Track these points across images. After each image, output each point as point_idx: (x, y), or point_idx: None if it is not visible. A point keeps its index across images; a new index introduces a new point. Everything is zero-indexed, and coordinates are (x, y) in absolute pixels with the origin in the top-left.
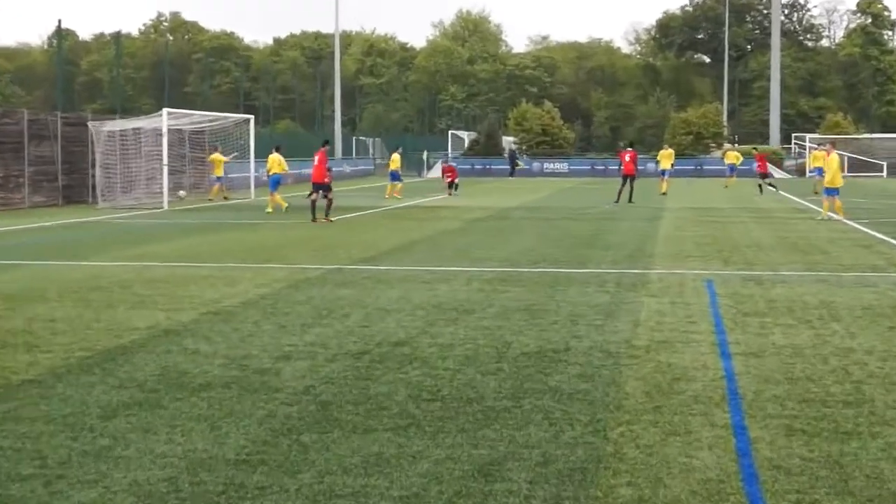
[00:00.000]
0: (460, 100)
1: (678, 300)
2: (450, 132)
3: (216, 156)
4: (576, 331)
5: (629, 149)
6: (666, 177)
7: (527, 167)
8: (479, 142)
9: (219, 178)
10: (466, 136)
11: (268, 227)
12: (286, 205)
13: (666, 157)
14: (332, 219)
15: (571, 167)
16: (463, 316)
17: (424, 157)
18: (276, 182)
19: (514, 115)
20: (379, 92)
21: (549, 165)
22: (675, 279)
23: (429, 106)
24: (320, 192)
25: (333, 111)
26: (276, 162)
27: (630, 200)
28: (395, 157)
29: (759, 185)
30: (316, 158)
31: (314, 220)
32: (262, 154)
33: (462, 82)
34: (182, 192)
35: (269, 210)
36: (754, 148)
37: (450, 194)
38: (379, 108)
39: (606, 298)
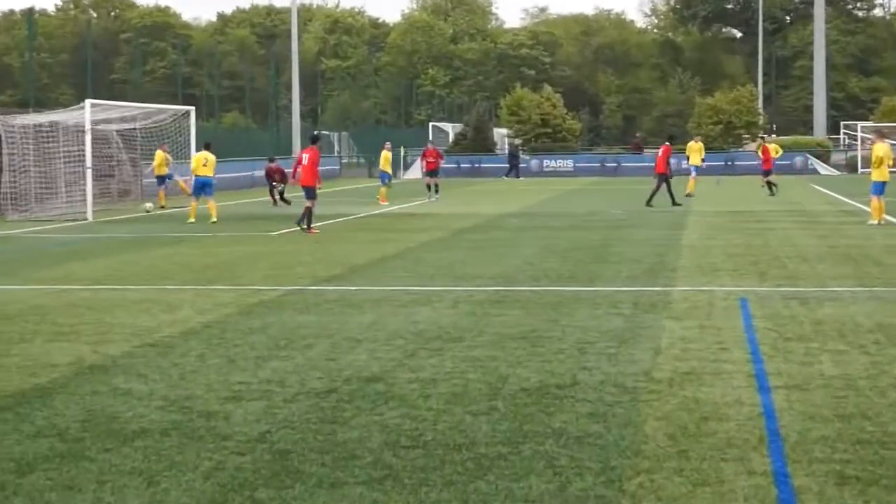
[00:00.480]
0: (442, 85)
1: (706, 323)
2: (430, 124)
3: (160, 153)
4: (584, 361)
5: (666, 143)
6: (695, 174)
7: (522, 165)
8: (467, 135)
9: (162, 181)
10: (451, 129)
11: (213, 240)
12: (214, 218)
13: (695, 152)
14: (304, 227)
15: (577, 165)
16: (449, 345)
17: (401, 154)
18: (201, 186)
19: (508, 102)
20: (345, 77)
21: (550, 163)
22: (702, 298)
23: (405, 93)
24: (305, 195)
25: (290, 101)
26: (200, 162)
27: (648, 203)
28: (386, 154)
29: (769, 185)
30: (305, 157)
31: (309, 229)
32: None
33: (444, 64)
34: (149, 205)
35: (214, 220)
36: (761, 136)
37: (429, 195)
38: (345, 96)
39: (620, 322)
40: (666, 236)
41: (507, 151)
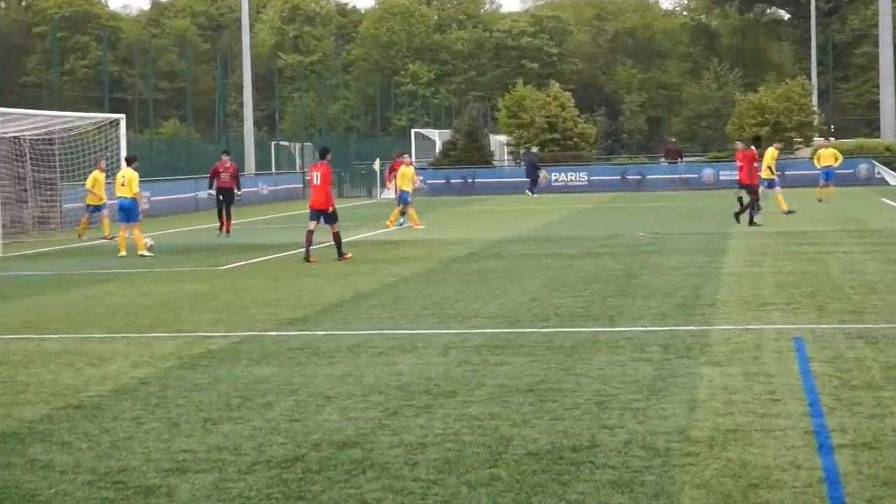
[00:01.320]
0: (426, 83)
1: (753, 369)
2: (412, 131)
3: (97, 174)
4: (605, 418)
5: (750, 147)
6: (826, 181)
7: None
8: (457, 144)
9: (97, 209)
10: (438, 137)
11: (149, 277)
12: (141, 251)
13: (828, 156)
14: (349, 255)
15: (592, 178)
16: (439, 401)
17: (376, 167)
18: (126, 211)
19: (507, 103)
20: (308, 76)
21: (560, 175)
22: (748, 338)
23: (381, 94)
24: (320, 220)
25: (241, 105)
26: (118, 182)
27: (737, 219)
28: (406, 171)
29: (740, 200)
30: (315, 175)
31: (308, 259)
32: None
33: (429, 58)
34: (149, 242)
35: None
36: (742, 141)
37: (400, 215)
38: (308, 99)
39: (649, 370)
40: (702, 263)
41: (526, 160)
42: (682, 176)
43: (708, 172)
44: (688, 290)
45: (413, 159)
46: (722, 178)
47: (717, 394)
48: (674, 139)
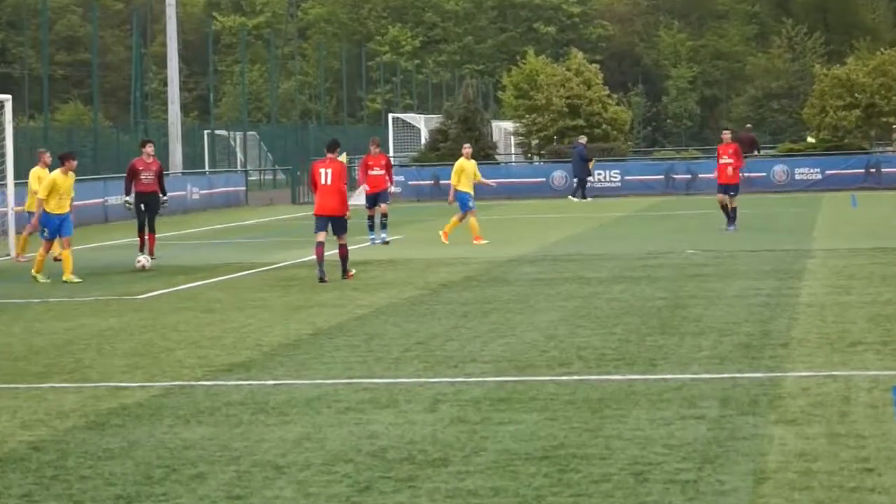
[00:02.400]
0: (409, 54)
1: (840, 429)
2: (390, 116)
3: (38, 170)
4: (645, 494)
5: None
6: None
7: (538, 180)
8: (449, 133)
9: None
10: (423, 124)
11: (44, 310)
12: (73, 275)
13: None
14: (353, 272)
15: (627, 177)
16: (426, 472)
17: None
18: (50, 224)
19: (515, 79)
20: (252, 43)
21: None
22: (832, 389)
23: (350, 67)
24: (329, 229)
25: (165, 84)
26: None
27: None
28: (464, 165)
29: (724, 209)
30: (325, 174)
31: (323, 279)
32: (29, 165)
33: (413, 19)
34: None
35: (36, 274)
36: (727, 131)
37: (372, 236)
38: (253, 74)
39: (702, 430)
40: (772, 290)
41: (575, 155)
42: (746, 175)
43: (779, 170)
44: (753, 326)
45: (390, 153)
46: (798, 176)
47: (791, 462)
48: (749, 125)
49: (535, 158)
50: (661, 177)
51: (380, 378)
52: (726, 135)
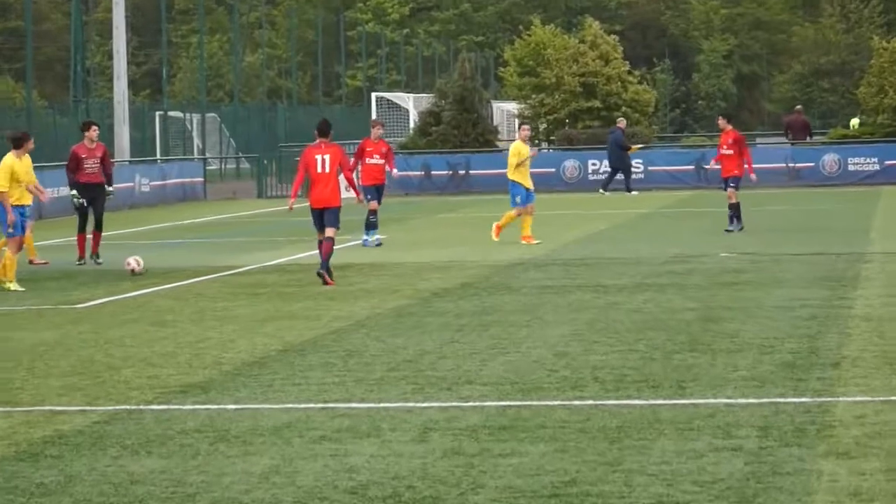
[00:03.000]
0: (396, 23)
1: None
2: (373, 95)
3: (10, 159)
4: None
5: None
6: None
7: (547, 170)
8: (442, 116)
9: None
10: (412, 105)
11: None
12: (14, 282)
13: None
14: (322, 275)
15: (651, 167)
16: None
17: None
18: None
19: (518, 53)
20: (213, 10)
21: (601, 164)
22: (892, 417)
23: (327, 38)
24: (324, 220)
25: (111, 58)
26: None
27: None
28: (519, 147)
29: (736, 206)
30: (322, 161)
31: (328, 280)
32: None
33: None
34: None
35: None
36: (723, 116)
37: (368, 236)
38: (212, 46)
39: (738, 464)
40: (822, 301)
41: (610, 141)
42: (791, 165)
43: (830, 159)
44: (798, 342)
45: (377, 136)
46: (851, 167)
47: (844, 502)
48: (799, 106)
49: (544, 145)
50: (691, 167)
51: (360, 402)
52: (723, 122)
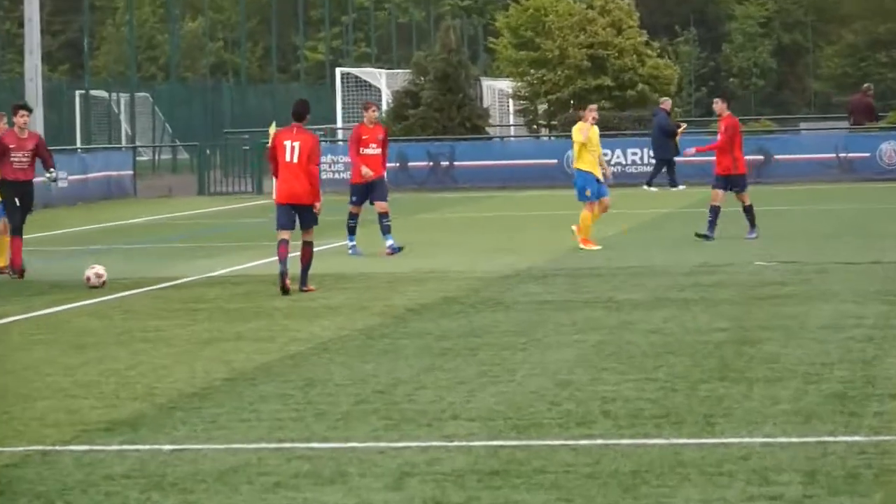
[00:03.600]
0: None
1: None
2: (338, 71)
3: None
4: None
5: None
6: None
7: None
8: (421, 96)
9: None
10: (385, 82)
11: None
12: None
13: None
14: (313, 287)
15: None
16: None
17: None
18: None
19: (512, 21)
20: None
21: (612, 153)
22: None
23: (283, 4)
24: (299, 222)
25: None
26: None
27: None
28: (592, 132)
29: (716, 210)
30: (292, 148)
31: (285, 287)
32: None
33: None
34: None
35: None
36: (720, 97)
37: (387, 242)
38: (143, 13)
39: None
40: (879, 319)
41: (654, 123)
42: (843, 155)
43: (889, 148)
44: (851, 369)
45: (338, 122)
46: None
47: None
48: (867, 84)
49: (544, 132)
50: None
51: (322, 441)
52: (719, 105)
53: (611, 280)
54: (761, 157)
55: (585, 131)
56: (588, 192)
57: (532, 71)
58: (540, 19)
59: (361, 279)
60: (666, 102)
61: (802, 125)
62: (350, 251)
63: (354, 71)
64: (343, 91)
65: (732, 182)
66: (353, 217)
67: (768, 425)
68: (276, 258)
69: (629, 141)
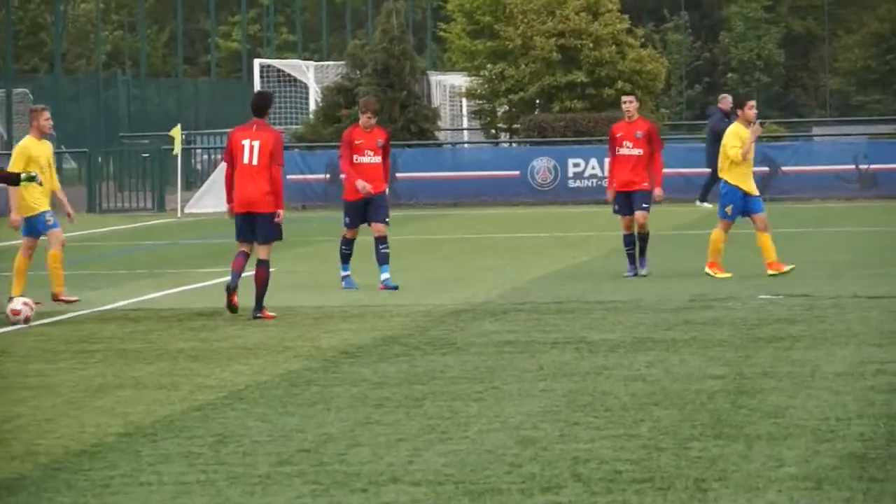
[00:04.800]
0: None
1: None
2: (256, 63)
3: (30, 142)
4: None
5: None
6: None
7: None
8: (356, 93)
9: (44, 224)
10: (312, 78)
11: None
12: None
13: None
14: (271, 314)
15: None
16: None
17: (177, 144)
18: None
19: (464, 2)
20: None
21: (584, 163)
22: None
23: None
24: (256, 235)
25: None
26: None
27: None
28: (742, 132)
29: (630, 238)
30: (250, 148)
31: (232, 303)
32: None
33: None
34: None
35: None
36: (726, 97)
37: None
38: None
39: None
40: None
41: (709, 125)
42: (864, 168)
43: None
44: (872, 425)
45: (369, 124)
46: None
47: None
48: None
49: (504, 137)
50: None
51: None
52: (629, 104)
53: (584, 316)
54: (766, 169)
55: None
56: (728, 210)
57: (489, 65)
58: (500, 2)
59: (284, 314)
60: (725, 100)
61: (816, 130)
62: (343, 283)
63: (276, 63)
64: (262, 87)
65: (639, 199)
66: (348, 243)
67: (772, 492)
68: (231, 267)
69: (602, 145)
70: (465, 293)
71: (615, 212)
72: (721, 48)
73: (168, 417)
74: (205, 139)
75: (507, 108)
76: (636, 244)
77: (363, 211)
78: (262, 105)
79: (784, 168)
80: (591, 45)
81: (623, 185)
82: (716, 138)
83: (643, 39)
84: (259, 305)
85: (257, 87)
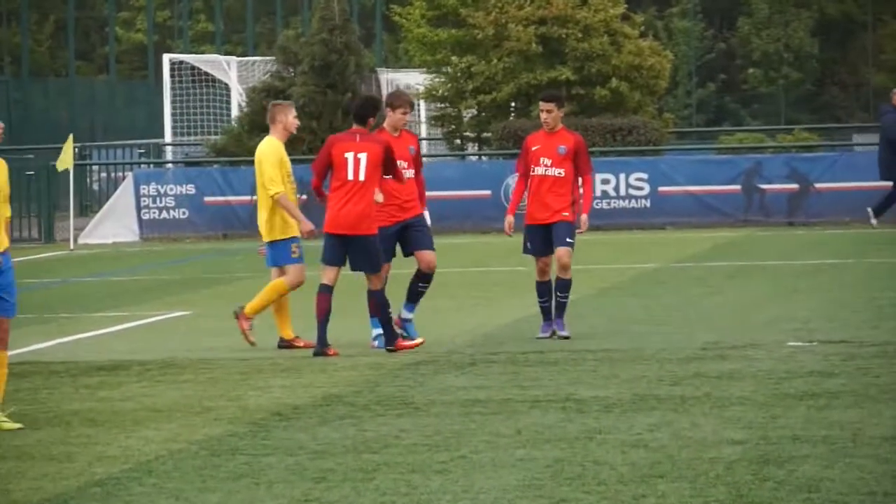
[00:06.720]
0: None
1: None
2: (166, 59)
3: None
4: None
5: None
6: None
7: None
8: (290, 95)
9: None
10: (235, 77)
11: None
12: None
13: None
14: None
15: (663, 186)
16: None
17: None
18: None
19: None
20: None
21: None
22: None
23: None
24: (368, 267)
25: None
26: None
27: None
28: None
29: (545, 286)
30: (355, 162)
31: (325, 351)
32: None
33: None
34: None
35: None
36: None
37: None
38: None
39: None
40: None
41: (883, 127)
42: None
43: None
44: None
45: (166, 134)
46: None
47: None
48: None
49: (471, 148)
50: (737, 188)
51: None
52: (553, 112)
53: (571, 369)
54: (795, 186)
55: None
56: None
57: (455, 58)
58: None
59: (202, 366)
60: None
61: (856, 138)
62: (376, 343)
63: (190, 58)
64: (174, 88)
65: (562, 232)
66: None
67: None
68: (315, 310)
69: (599, 163)
70: (425, 339)
71: (526, 251)
72: (740, 37)
73: (61, 496)
74: (103, 153)
75: (476, 112)
76: (552, 295)
77: (401, 235)
78: (364, 112)
79: (817, 185)
80: (578, 34)
81: (538, 216)
82: (890, 144)
83: (643, 28)
84: (390, 334)
85: (167, 86)
